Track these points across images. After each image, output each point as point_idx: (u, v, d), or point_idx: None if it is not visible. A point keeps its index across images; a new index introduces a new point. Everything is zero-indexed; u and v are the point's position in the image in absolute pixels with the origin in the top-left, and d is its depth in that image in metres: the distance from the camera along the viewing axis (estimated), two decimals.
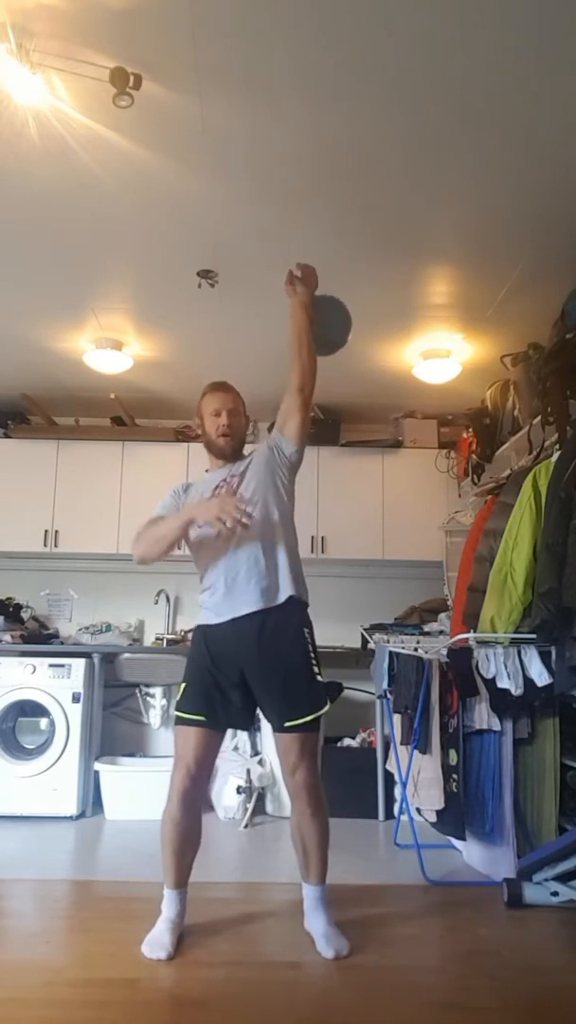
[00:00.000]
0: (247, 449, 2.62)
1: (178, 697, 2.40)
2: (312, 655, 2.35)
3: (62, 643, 4.51)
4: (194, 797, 2.33)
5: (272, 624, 2.32)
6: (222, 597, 2.36)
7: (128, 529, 4.56)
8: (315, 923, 2.32)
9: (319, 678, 2.34)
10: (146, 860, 3.09)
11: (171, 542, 2.38)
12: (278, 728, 2.32)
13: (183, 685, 2.39)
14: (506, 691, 2.91)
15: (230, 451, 2.53)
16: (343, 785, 3.83)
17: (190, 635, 4.59)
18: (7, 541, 4.65)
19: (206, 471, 2.62)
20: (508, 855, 2.86)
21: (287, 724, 2.28)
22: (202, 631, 2.42)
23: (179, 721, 2.36)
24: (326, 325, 2.62)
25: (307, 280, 2.61)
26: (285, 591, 2.36)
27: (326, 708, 2.32)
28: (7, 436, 4.84)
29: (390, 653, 3.34)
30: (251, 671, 2.31)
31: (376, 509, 4.70)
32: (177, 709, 2.38)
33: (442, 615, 4.27)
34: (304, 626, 2.38)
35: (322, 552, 4.60)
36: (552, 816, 2.87)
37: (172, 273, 3.24)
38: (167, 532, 2.37)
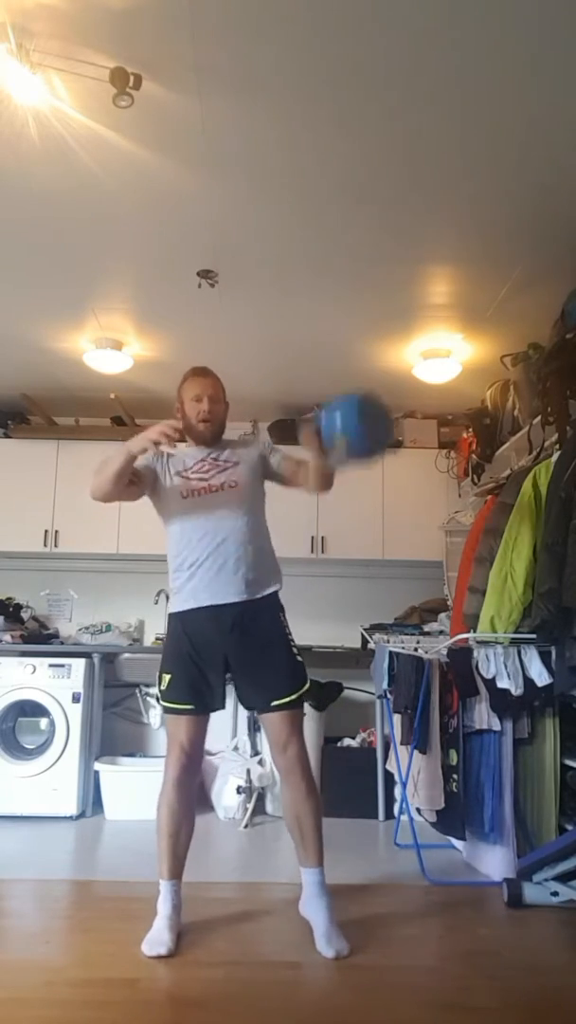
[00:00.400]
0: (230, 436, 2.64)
1: (163, 687, 2.42)
2: (289, 636, 2.45)
3: (62, 643, 4.51)
4: (189, 779, 2.40)
5: (252, 613, 2.39)
6: (207, 582, 2.38)
7: (128, 529, 4.58)
8: (316, 914, 2.32)
9: (299, 657, 2.44)
10: (146, 860, 3.07)
11: (117, 472, 2.33)
12: (265, 709, 2.38)
13: (167, 676, 2.42)
14: (506, 691, 2.91)
15: (210, 436, 2.55)
16: (343, 785, 3.83)
17: None
18: (7, 541, 4.65)
19: (184, 444, 2.59)
20: (508, 855, 2.86)
21: (274, 703, 2.35)
22: (179, 618, 2.44)
23: (168, 710, 2.42)
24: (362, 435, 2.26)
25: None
26: (272, 584, 2.46)
27: (306, 686, 2.41)
28: (7, 436, 4.84)
29: (390, 653, 3.34)
30: (233, 656, 2.37)
31: (376, 509, 4.70)
32: (164, 700, 2.43)
33: (442, 615, 4.26)
34: (279, 611, 2.47)
35: (322, 552, 4.60)
36: (552, 816, 2.87)
37: (172, 273, 3.24)
38: (112, 461, 2.33)
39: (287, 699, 2.36)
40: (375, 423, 2.25)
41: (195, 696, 2.38)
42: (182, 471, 2.50)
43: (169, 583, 2.50)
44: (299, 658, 2.44)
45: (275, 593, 2.47)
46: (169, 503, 2.48)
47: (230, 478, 2.47)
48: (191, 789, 2.43)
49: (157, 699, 2.46)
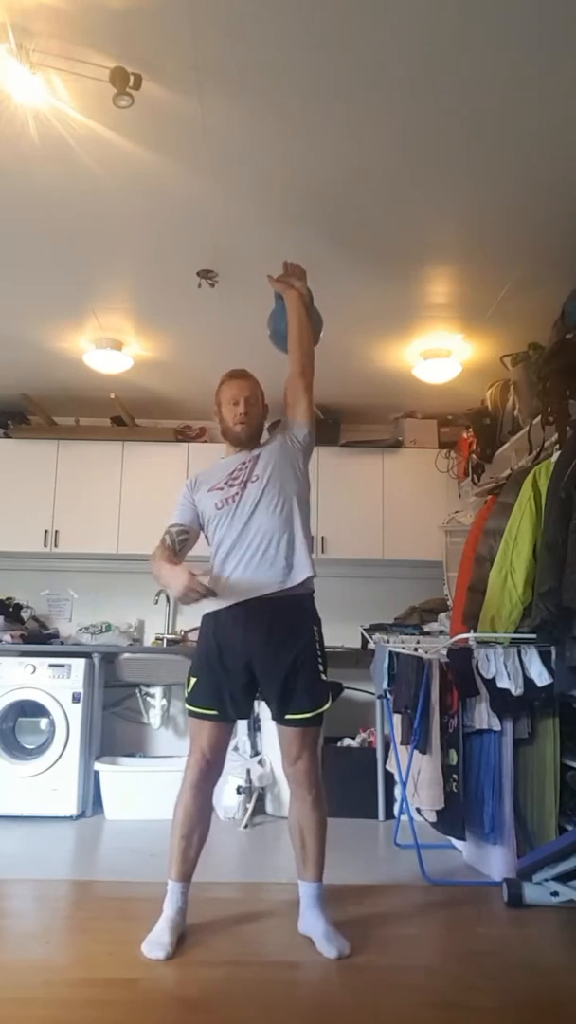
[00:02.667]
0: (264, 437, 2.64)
1: (189, 689, 2.42)
2: (319, 654, 2.39)
3: (62, 643, 4.51)
4: (207, 784, 2.39)
5: (284, 617, 2.35)
6: (235, 581, 2.37)
7: (128, 529, 4.58)
8: (314, 924, 2.32)
9: (324, 677, 2.38)
10: (146, 860, 3.09)
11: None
12: (279, 720, 2.36)
13: (193, 679, 2.41)
14: (506, 691, 2.91)
15: (246, 438, 2.54)
16: (343, 785, 3.83)
17: (190, 635, 4.62)
18: (7, 541, 4.65)
19: (221, 458, 2.62)
20: (508, 855, 2.86)
21: (288, 717, 2.33)
22: (211, 618, 2.43)
23: (191, 714, 2.41)
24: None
25: (302, 276, 2.73)
26: (302, 571, 2.38)
27: (328, 706, 2.36)
28: (7, 436, 4.83)
29: (390, 653, 3.34)
30: (258, 662, 2.34)
31: (376, 509, 4.70)
32: (188, 702, 2.42)
33: (442, 615, 4.26)
34: (315, 624, 2.43)
35: (322, 552, 4.60)
36: (552, 816, 2.87)
37: (172, 273, 3.24)
38: (162, 578, 2.32)
39: (304, 716, 2.33)
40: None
41: (218, 702, 2.36)
42: (215, 485, 2.50)
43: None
44: (324, 677, 2.38)
45: (308, 593, 2.42)
46: (207, 515, 2.49)
47: (252, 474, 2.47)
48: (208, 794, 2.42)
49: (185, 700, 2.45)
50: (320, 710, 2.34)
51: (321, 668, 2.38)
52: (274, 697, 2.35)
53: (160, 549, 2.42)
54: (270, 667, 2.33)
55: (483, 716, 2.95)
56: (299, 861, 2.39)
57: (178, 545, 2.47)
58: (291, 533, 2.41)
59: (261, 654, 2.33)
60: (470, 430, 4.23)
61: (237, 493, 2.44)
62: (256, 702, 2.50)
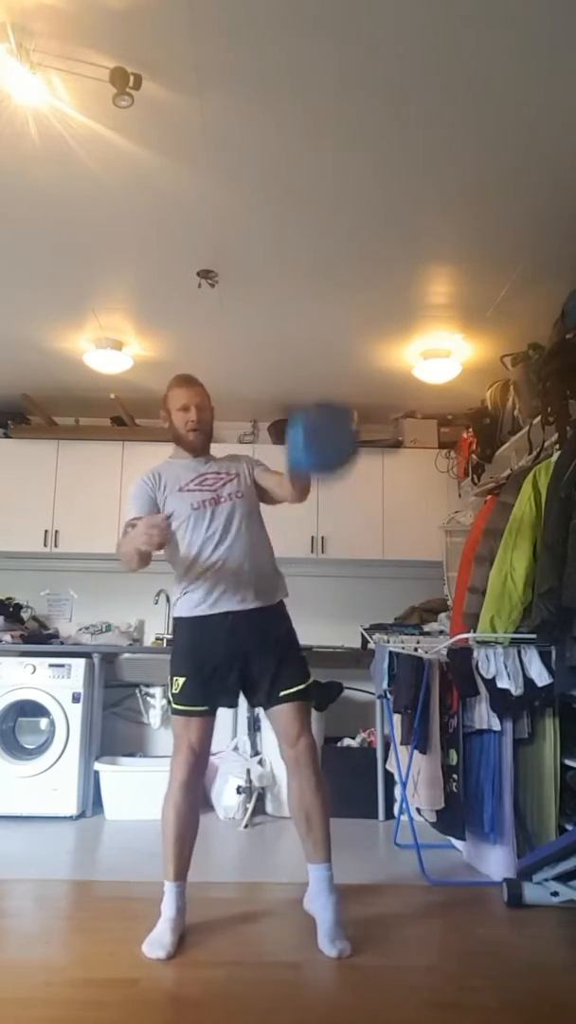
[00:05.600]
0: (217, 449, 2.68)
1: (175, 690, 2.43)
2: (292, 635, 2.53)
3: (62, 643, 4.51)
4: (195, 781, 2.40)
5: (261, 618, 2.44)
6: (220, 590, 2.41)
7: None
8: (323, 912, 2.31)
9: (302, 654, 2.53)
10: (146, 860, 3.09)
11: (139, 560, 2.32)
12: (275, 701, 2.40)
13: (180, 680, 2.42)
14: (506, 691, 2.91)
15: (199, 445, 2.58)
16: (343, 785, 3.82)
17: None
18: (7, 541, 4.65)
19: (171, 458, 2.64)
20: (508, 855, 2.85)
21: (283, 693, 2.39)
22: (190, 623, 2.45)
23: (180, 713, 2.42)
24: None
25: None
26: (280, 594, 2.54)
27: (312, 680, 2.48)
28: (7, 436, 4.84)
29: (390, 653, 3.34)
30: (251, 652, 2.41)
31: (376, 509, 4.70)
32: (176, 703, 2.43)
33: (442, 615, 4.26)
34: (288, 621, 2.55)
35: (322, 552, 4.60)
36: (552, 816, 2.87)
37: (172, 273, 3.24)
38: (131, 554, 2.30)
39: (297, 688, 2.40)
40: (324, 443, 2.11)
41: (207, 699, 2.41)
42: (183, 486, 2.51)
43: (176, 586, 2.52)
44: (303, 655, 2.52)
45: (283, 603, 2.55)
46: (178, 514, 2.47)
47: (236, 489, 2.52)
48: (197, 791, 2.43)
49: (169, 701, 2.46)
50: (309, 681, 2.46)
51: (293, 641, 2.51)
52: (267, 679, 2.40)
53: (125, 527, 2.45)
54: (262, 654, 2.41)
55: (483, 716, 2.95)
56: (306, 845, 2.39)
57: None
58: (270, 559, 2.55)
59: (245, 646, 2.40)
60: (470, 430, 4.23)
61: (213, 500, 2.48)
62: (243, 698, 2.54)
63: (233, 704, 2.48)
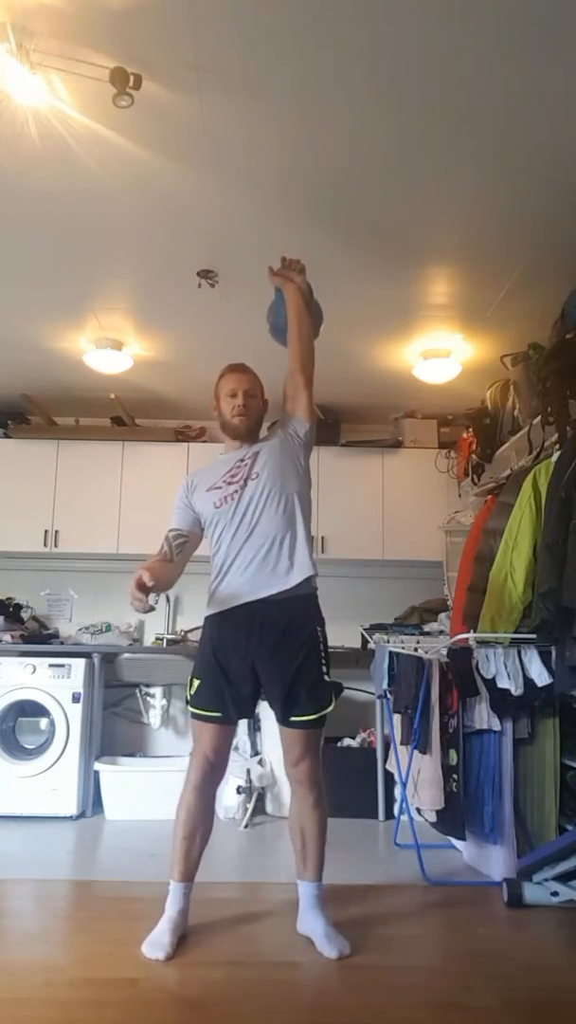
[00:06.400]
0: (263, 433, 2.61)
1: (191, 691, 2.41)
2: (323, 656, 2.38)
3: (62, 643, 4.51)
4: (209, 786, 2.38)
5: (287, 619, 2.33)
6: (237, 583, 2.36)
7: (128, 529, 4.57)
8: (314, 925, 2.32)
9: (327, 678, 2.37)
10: (146, 860, 3.09)
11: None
12: (283, 722, 2.35)
13: (196, 681, 2.39)
14: (506, 691, 2.91)
15: (245, 431, 2.50)
16: (343, 785, 3.82)
17: (190, 635, 4.62)
18: (7, 541, 4.64)
19: (220, 455, 2.59)
20: (508, 855, 2.86)
21: (292, 719, 2.32)
22: (214, 621, 2.41)
23: (194, 715, 2.39)
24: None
25: (301, 270, 2.69)
26: (304, 571, 2.36)
27: (330, 708, 2.36)
28: (7, 436, 4.84)
29: (390, 653, 3.34)
30: (262, 665, 2.32)
31: (376, 509, 4.70)
32: (191, 704, 2.40)
33: (442, 615, 4.26)
34: (318, 624, 2.41)
35: (322, 552, 4.60)
36: (552, 816, 2.87)
37: (172, 273, 3.24)
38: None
39: (307, 718, 2.32)
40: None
41: (220, 704, 2.34)
42: (212, 485, 2.46)
43: (210, 587, 2.49)
44: (327, 678, 2.37)
45: (312, 592, 2.41)
46: (205, 517, 2.47)
47: (252, 471, 2.43)
48: (211, 795, 2.41)
49: (187, 701, 2.44)
50: (323, 712, 2.33)
51: (324, 669, 2.36)
52: (278, 700, 2.33)
53: (155, 556, 2.44)
54: (274, 672, 2.32)
55: (483, 716, 2.95)
56: (299, 861, 2.39)
57: (175, 551, 2.47)
58: (293, 532, 2.39)
59: (265, 659, 2.31)
60: (470, 430, 4.23)
61: (236, 491, 2.41)
62: (260, 702, 2.49)
63: (248, 715, 2.42)
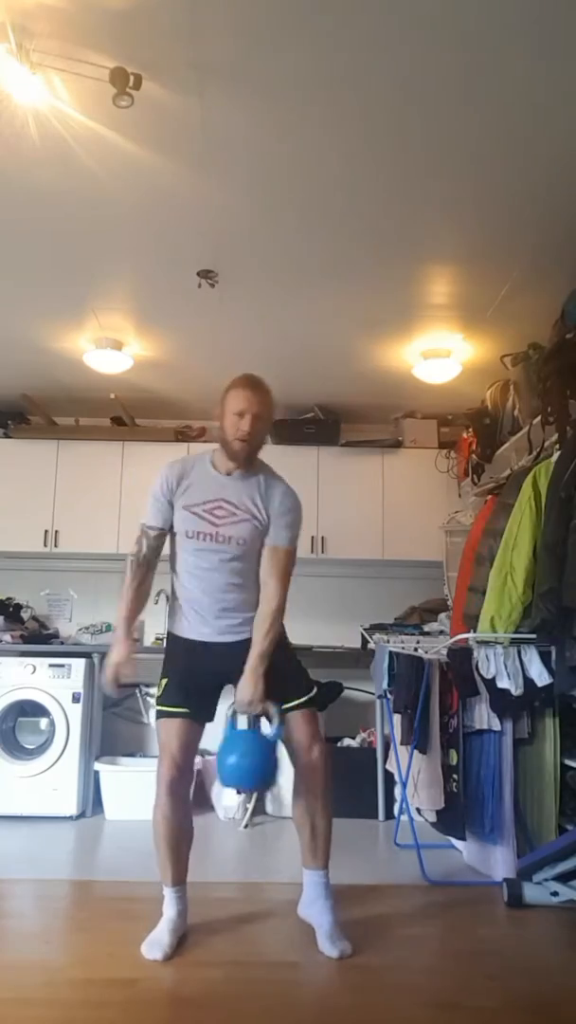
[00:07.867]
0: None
1: (159, 692, 2.42)
2: (287, 650, 2.44)
3: (62, 643, 4.51)
4: (181, 789, 2.36)
5: (249, 642, 2.37)
6: (209, 623, 2.40)
7: (128, 529, 4.54)
8: (321, 918, 2.31)
9: (298, 662, 2.47)
10: (146, 860, 3.06)
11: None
12: (284, 712, 2.35)
13: (164, 681, 2.41)
14: (506, 691, 2.91)
15: (243, 458, 2.37)
16: (343, 785, 3.80)
17: None
18: (7, 541, 4.64)
19: (212, 463, 2.43)
20: (508, 855, 2.86)
21: (286, 707, 2.33)
22: (180, 642, 2.44)
23: (161, 715, 2.38)
24: None
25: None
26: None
27: (315, 691, 2.42)
28: (7, 436, 4.83)
29: (390, 653, 3.34)
30: (236, 677, 2.33)
31: (376, 509, 4.70)
32: (160, 703, 2.40)
33: (442, 615, 4.26)
34: (279, 647, 2.41)
35: (322, 552, 4.60)
36: (552, 816, 2.87)
37: (172, 273, 3.24)
38: (115, 631, 2.49)
39: (299, 701, 2.36)
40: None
41: (187, 701, 2.35)
42: (193, 505, 2.38)
43: (171, 594, 2.51)
44: (297, 661, 2.47)
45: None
46: (179, 531, 2.42)
47: (240, 534, 2.36)
48: (185, 798, 2.38)
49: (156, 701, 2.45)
50: (312, 693, 2.40)
51: (288, 657, 2.42)
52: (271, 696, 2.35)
53: (132, 571, 2.43)
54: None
55: (483, 716, 2.95)
56: (306, 851, 2.38)
57: (152, 552, 2.44)
58: (251, 586, 2.42)
59: (237, 673, 2.33)
60: (470, 430, 4.23)
61: (212, 536, 2.36)
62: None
63: (209, 716, 2.42)
